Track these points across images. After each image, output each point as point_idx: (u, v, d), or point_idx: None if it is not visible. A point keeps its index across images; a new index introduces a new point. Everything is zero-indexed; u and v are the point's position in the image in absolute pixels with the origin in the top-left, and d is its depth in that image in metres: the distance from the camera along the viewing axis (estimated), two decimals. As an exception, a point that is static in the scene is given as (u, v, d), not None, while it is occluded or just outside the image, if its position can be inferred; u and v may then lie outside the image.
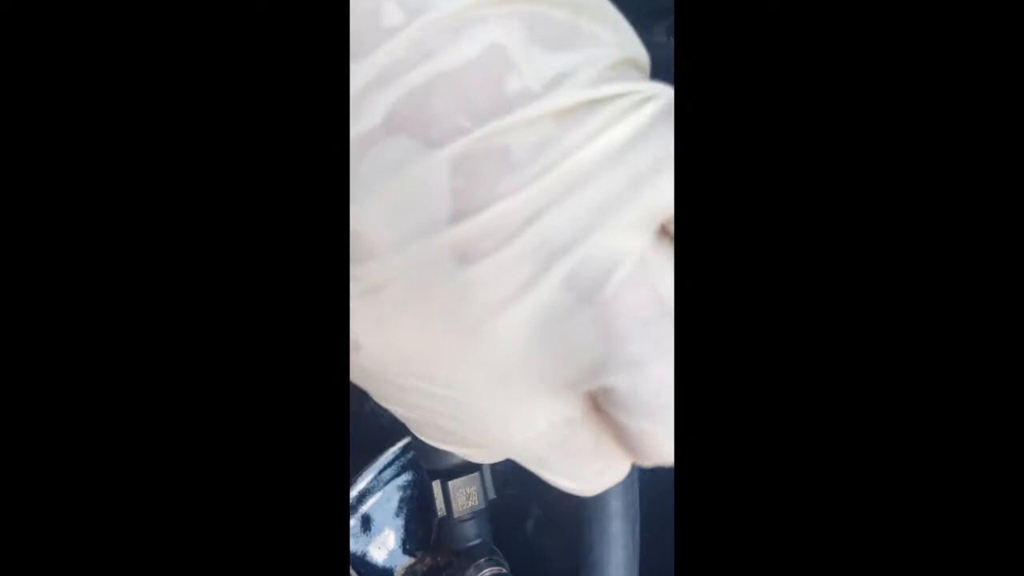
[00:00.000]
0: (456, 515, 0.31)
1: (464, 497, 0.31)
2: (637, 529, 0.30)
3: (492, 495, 0.32)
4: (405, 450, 0.36)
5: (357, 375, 0.19)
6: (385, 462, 0.37)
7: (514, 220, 0.16)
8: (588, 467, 0.20)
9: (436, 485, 0.31)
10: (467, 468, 0.31)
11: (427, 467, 0.32)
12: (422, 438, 0.21)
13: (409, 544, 0.36)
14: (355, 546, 0.36)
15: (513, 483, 0.35)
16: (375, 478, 0.37)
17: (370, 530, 0.36)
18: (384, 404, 0.20)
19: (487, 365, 0.17)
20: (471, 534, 0.32)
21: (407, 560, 0.37)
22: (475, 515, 0.32)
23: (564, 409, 0.18)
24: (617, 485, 0.29)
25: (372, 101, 0.17)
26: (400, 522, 0.37)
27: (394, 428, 0.36)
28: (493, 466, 0.33)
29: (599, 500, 0.30)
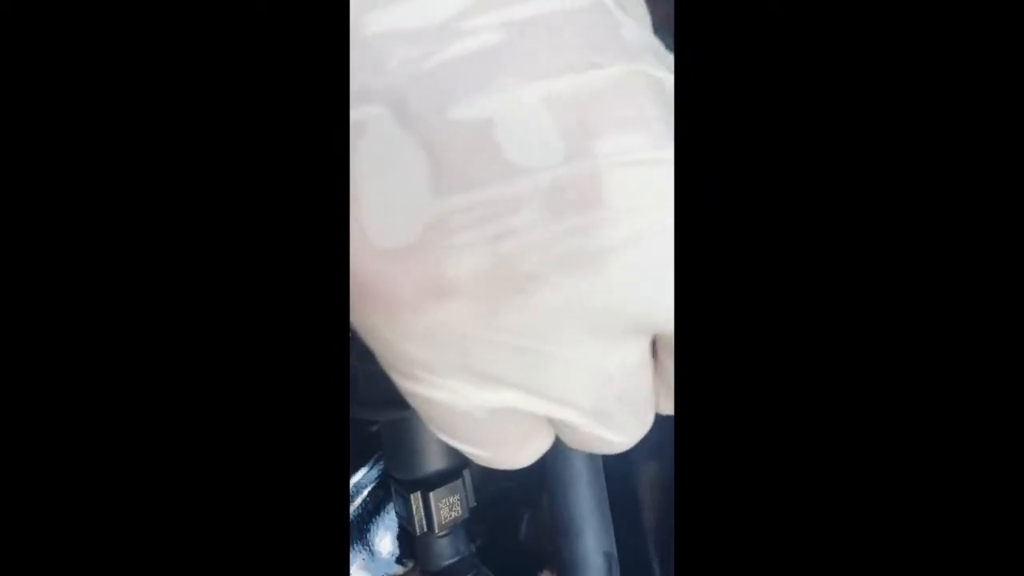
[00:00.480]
0: (439, 529, 0.29)
1: (447, 508, 0.29)
2: (605, 493, 0.29)
3: (473, 503, 0.30)
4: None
5: (434, 333, 0.17)
6: (368, 466, 0.35)
7: (640, 166, 0.16)
8: (640, 416, 0.20)
9: (415, 498, 0.29)
10: (447, 476, 0.29)
11: (402, 479, 0.30)
12: (450, 439, 0.19)
13: (400, 553, 0.34)
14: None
15: (492, 479, 0.33)
16: (355, 484, 0.35)
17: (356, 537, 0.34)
18: (433, 384, 0.18)
19: (590, 309, 0.17)
20: (449, 551, 0.30)
21: (397, 569, 0.35)
22: (454, 529, 0.30)
23: (636, 351, 0.18)
24: (581, 454, 0.28)
25: (481, 23, 0.16)
26: (390, 529, 0.35)
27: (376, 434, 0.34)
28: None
29: (570, 475, 0.28)
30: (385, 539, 0.34)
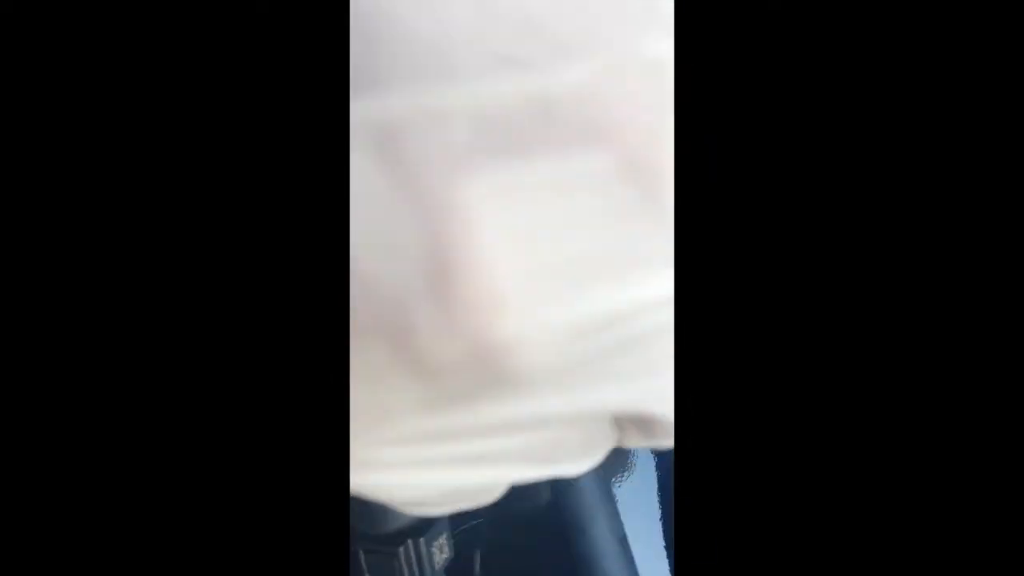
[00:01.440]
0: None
1: (439, 551, 0.26)
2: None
3: (451, 539, 0.28)
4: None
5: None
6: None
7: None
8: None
9: (406, 550, 0.25)
10: (427, 519, 0.26)
11: (380, 534, 0.26)
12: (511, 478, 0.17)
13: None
14: None
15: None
16: None
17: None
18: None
19: None
20: None
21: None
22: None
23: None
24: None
25: None
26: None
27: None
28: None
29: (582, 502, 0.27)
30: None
